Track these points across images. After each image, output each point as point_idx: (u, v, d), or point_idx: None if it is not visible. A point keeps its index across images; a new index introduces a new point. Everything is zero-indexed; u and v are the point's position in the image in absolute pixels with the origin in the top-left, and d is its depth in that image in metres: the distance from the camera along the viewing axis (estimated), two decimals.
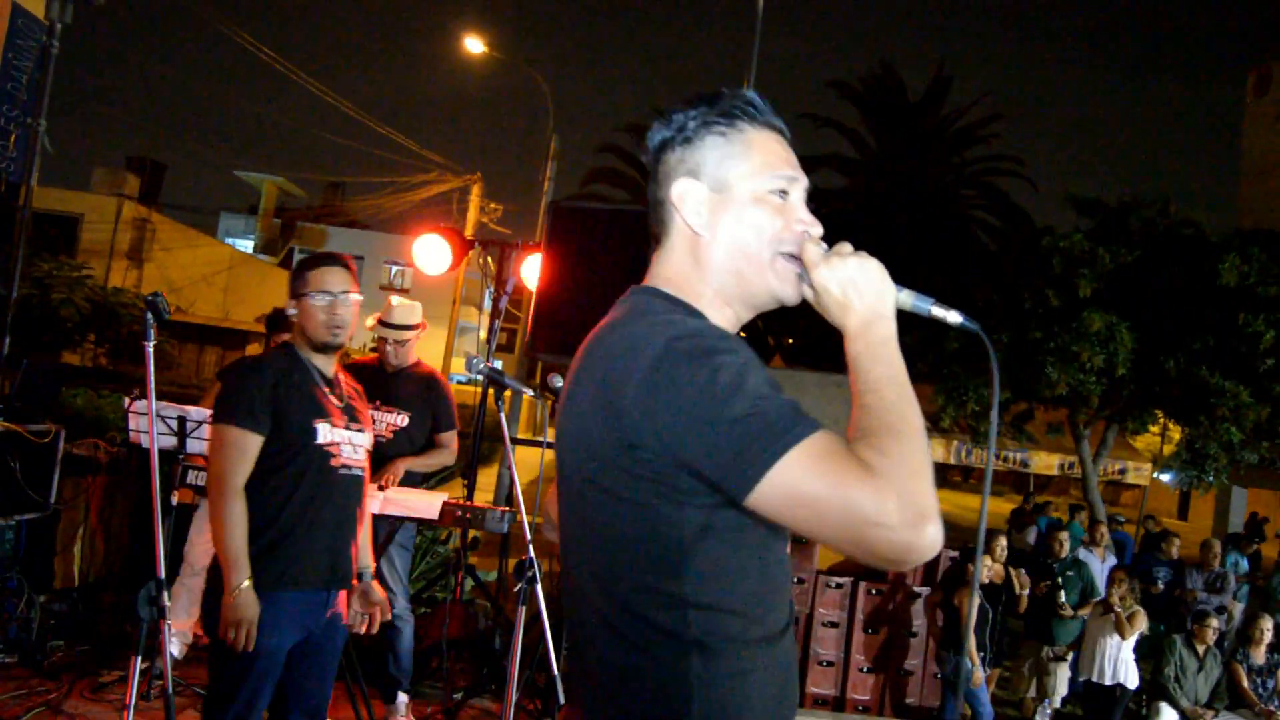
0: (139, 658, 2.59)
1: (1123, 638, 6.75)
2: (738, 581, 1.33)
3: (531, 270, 5.12)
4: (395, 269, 39.21)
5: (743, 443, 1.20)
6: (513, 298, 5.57)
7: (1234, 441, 10.98)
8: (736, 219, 1.44)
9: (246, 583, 2.71)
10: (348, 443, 3.00)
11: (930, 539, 1.16)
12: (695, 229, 1.45)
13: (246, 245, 38.94)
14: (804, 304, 1.47)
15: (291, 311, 3.00)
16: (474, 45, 19.42)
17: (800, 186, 1.49)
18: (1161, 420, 13.53)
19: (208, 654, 2.82)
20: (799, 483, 1.18)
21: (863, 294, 1.38)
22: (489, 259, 5.78)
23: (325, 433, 2.93)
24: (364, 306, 3.11)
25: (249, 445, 2.81)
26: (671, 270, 1.48)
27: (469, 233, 20.15)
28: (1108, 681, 6.77)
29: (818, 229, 1.47)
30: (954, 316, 1.44)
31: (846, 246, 1.43)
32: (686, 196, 1.45)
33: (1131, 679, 6.84)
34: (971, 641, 6.25)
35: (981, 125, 33.29)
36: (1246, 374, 10.69)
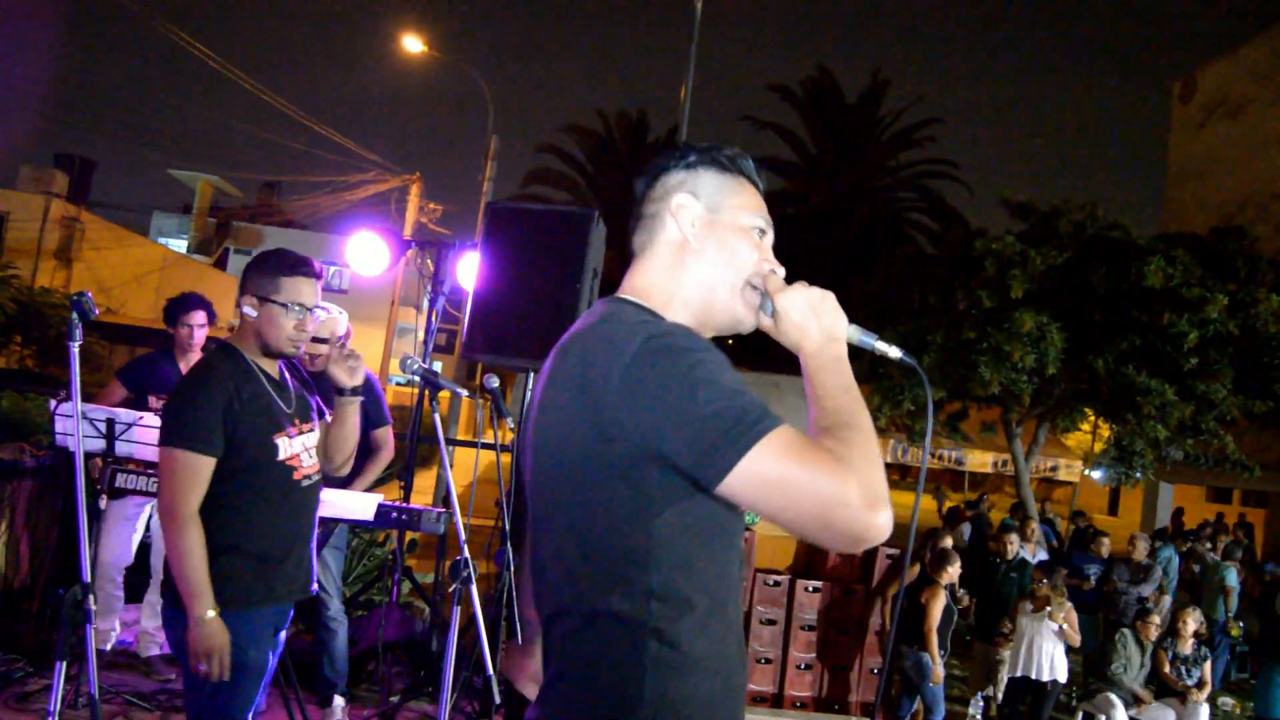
0: (63, 664, 2.53)
1: (1072, 645, 7.02)
2: (697, 576, 1.44)
3: (469, 271, 5.10)
4: (333, 269, 38.72)
5: (718, 432, 1.32)
6: (452, 298, 5.55)
7: (1160, 439, 11.27)
8: (722, 241, 1.60)
9: (211, 612, 2.57)
10: (304, 450, 2.94)
11: (884, 521, 1.31)
12: (687, 236, 1.60)
13: (180, 245, 38.18)
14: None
15: (250, 311, 2.83)
16: (413, 44, 19.27)
17: (770, 235, 1.67)
18: (1091, 418, 13.84)
19: (186, 675, 2.69)
20: (772, 467, 1.31)
21: (820, 318, 1.53)
22: (427, 259, 5.74)
23: (285, 448, 2.85)
24: None
25: (201, 469, 2.65)
26: (646, 280, 1.62)
27: (408, 233, 19.97)
28: (1045, 677, 6.95)
29: (781, 270, 1.63)
30: (894, 351, 1.60)
31: (803, 282, 1.58)
32: (685, 208, 1.61)
33: (1062, 673, 7.03)
34: (934, 639, 6.39)
35: (917, 129, 33.81)
36: (1171, 373, 10.97)
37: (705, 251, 1.59)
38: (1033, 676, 6.97)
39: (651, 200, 1.65)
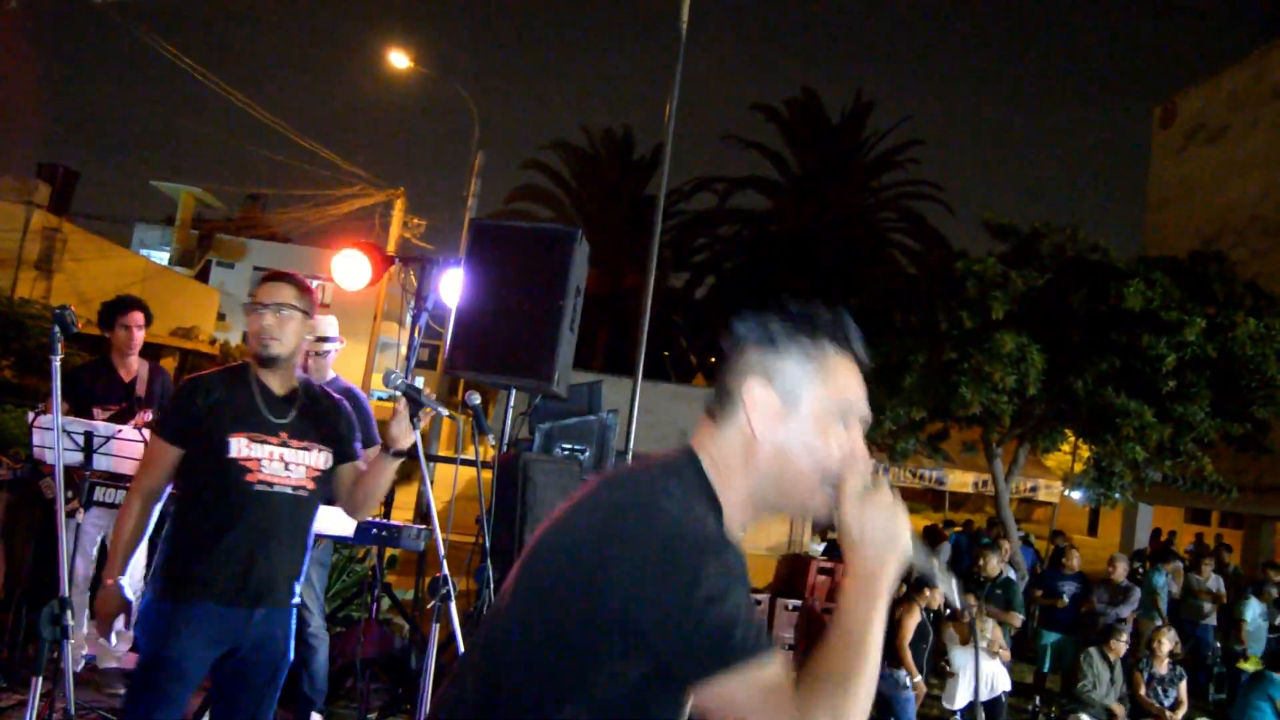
0: (39, 679, 2.51)
1: (1005, 659, 7.17)
2: None
3: (452, 287, 5.10)
4: (316, 284, 38.46)
5: (710, 640, 1.27)
6: (435, 314, 5.55)
7: (1139, 460, 11.32)
8: (796, 437, 1.46)
9: (111, 580, 2.83)
10: (276, 459, 2.94)
11: None
12: (755, 432, 1.47)
13: (162, 257, 38.01)
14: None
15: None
16: (399, 60, 19.30)
17: (862, 413, 1.51)
18: (1071, 439, 13.90)
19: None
20: (739, 700, 1.27)
21: (879, 546, 1.41)
22: (411, 274, 5.75)
23: (239, 447, 2.89)
24: None
25: (160, 453, 2.94)
26: (720, 452, 1.49)
27: (392, 248, 19.95)
28: (987, 696, 7.08)
29: (865, 462, 1.49)
30: (953, 589, 1.53)
31: (885, 485, 1.46)
32: (758, 400, 1.47)
33: (1006, 682, 7.21)
34: (908, 654, 6.46)
35: (900, 150, 33.97)
36: (1150, 395, 11.03)
37: (775, 448, 1.46)
38: (975, 700, 7.08)
39: (730, 369, 1.51)
